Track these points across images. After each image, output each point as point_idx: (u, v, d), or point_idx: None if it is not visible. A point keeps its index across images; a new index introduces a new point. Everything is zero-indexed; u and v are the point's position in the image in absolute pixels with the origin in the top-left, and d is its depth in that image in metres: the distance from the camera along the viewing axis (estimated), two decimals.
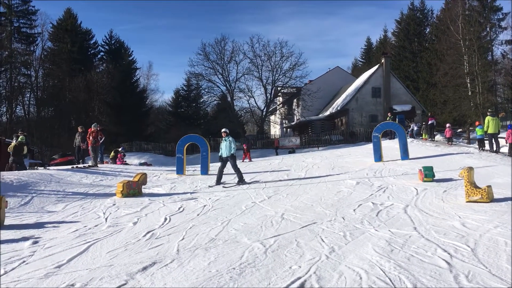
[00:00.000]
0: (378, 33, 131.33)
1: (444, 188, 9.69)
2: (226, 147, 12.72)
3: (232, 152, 12.67)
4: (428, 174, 10.76)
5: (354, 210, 7.81)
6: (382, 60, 43.14)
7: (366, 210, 7.75)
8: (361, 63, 74.16)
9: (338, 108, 43.48)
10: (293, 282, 4.16)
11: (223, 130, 13.06)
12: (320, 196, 9.65)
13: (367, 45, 75.07)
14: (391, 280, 4.10)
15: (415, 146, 19.96)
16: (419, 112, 40.67)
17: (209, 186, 12.17)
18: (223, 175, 12.92)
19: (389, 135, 26.42)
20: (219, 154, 13.04)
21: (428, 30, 56.72)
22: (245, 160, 21.72)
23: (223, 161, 12.86)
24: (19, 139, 15.39)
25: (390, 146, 19.72)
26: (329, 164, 16.29)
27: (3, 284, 4.50)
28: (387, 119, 27.20)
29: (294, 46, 66.93)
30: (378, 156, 16.15)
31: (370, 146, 18.68)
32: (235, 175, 12.81)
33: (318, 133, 41.56)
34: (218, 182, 12.54)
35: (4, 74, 46.35)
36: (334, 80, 51.23)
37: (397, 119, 26.80)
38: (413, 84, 51.70)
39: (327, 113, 46.37)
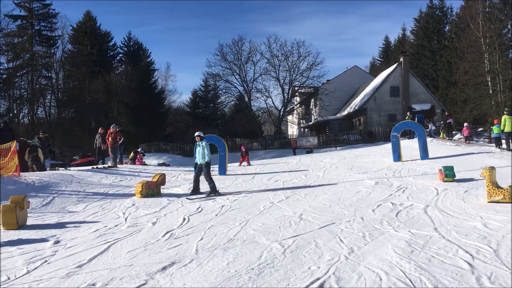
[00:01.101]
0: (397, 31, 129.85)
1: (465, 188, 9.55)
2: (199, 153, 11.25)
3: (206, 159, 11.11)
4: (448, 174, 10.62)
5: (373, 210, 7.75)
6: (401, 59, 42.66)
7: (386, 210, 7.68)
8: (379, 62, 73.36)
9: (356, 108, 43.16)
10: (312, 283, 4.14)
11: (196, 133, 11.55)
12: (339, 196, 9.60)
13: (385, 44, 74.29)
14: (411, 282, 4.06)
15: (435, 146, 19.71)
16: (438, 111, 40.06)
17: (187, 198, 10.53)
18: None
19: (408, 134, 26.15)
20: (195, 161, 11.63)
21: (447, 28, 55.82)
22: (243, 164, 20.28)
23: (198, 168, 11.32)
24: (32, 142, 15.61)
25: (409, 146, 19.52)
26: (347, 164, 16.20)
27: (26, 283, 4.58)
28: (406, 118, 26.92)
29: (312, 46, 66.81)
30: (397, 156, 16.01)
31: (388, 146, 18.53)
32: (252, 175, 12.77)
33: (336, 133, 41.27)
34: (195, 191, 11.12)
35: (25, 76, 47.21)
36: (351, 79, 50.83)
37: (416, 118, 26.50)
38: (433, 83, 51.00)
39: (345, 112, 46.07)
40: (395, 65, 43.83)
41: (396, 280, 4.11)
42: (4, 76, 45.44)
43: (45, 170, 15.17)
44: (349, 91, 50.35)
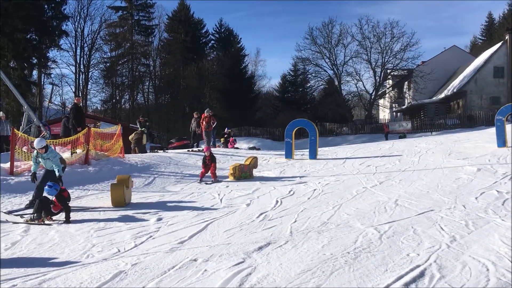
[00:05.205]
0: (502, 7, 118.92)
1: None
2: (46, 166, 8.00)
3: (59, 173, 7.60)
4: None
5: (476, 198, 7.29)
6: (506, 37, 39.33)
7: (490, 198, 7.19)
8: (481, 41, 68.24)
9: (454, 90, 40.68)
10: (412, 270, 4.02)
11: (35, 144, 7.78)
12: (437, 182, 9.15)
13: (488, 21, 68.84)
14: None
15: None
16: None
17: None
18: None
19: None
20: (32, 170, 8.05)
21: None
22: (205, 178, 11.08)
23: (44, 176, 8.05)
24: (141, 129, 16.76)
25: None
26: (445, 150, 15.34)
27: (134, 256, 4.94)
28: None
29: (406, 26, 63.63)
30: (502, 141, 14.84)
31: (491, 131, 17.25)
32: (344, 160, 12.46)
33: (431, 117, 39.32)
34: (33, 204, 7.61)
35: (126, 64, 50.41)
36: (449, 60, 47.82)
37: None
38: None
39: (442, 95, 43.63)
40: (499, 44, 40.54)
41: (505, 272, 3.87)
42: (108, 64, 48.96)
43: (146, 152, 16.18)
44: (447, 73, 47.47)
